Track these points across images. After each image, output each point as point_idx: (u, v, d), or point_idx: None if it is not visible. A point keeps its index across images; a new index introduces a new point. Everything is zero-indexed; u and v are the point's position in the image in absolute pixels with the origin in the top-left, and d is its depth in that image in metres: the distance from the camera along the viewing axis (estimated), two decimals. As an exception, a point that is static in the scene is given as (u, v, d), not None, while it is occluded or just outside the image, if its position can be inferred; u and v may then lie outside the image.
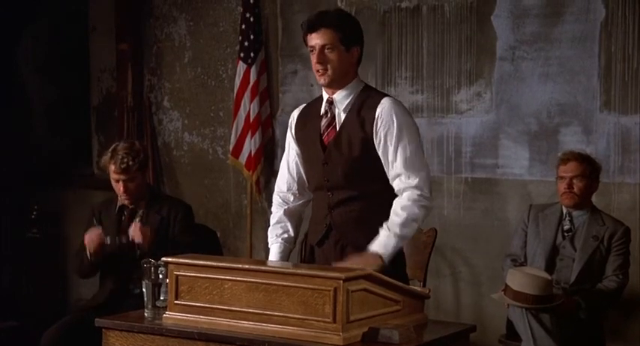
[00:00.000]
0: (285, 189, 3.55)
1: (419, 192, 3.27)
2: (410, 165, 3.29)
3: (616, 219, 4.36)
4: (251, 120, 5.51)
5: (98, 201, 4.61)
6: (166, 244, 4.15)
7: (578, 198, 4.30)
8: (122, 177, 4.23)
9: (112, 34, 6.12)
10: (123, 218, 4.35)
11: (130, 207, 4.35)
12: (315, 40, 3.30)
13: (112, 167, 4.24)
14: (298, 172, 3.53)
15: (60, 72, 6.40)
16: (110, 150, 4.33)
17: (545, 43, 4.86)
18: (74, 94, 6.40)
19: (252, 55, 5.49)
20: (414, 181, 3.28)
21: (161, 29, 6.01)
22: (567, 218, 4.36)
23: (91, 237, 4.22)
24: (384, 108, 3.30)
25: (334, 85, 3.36)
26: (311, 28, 3.31)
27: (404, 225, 3.25)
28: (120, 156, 4.23)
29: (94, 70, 6.33)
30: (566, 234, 4.34)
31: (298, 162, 3.52)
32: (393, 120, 3.29)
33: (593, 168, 4.33)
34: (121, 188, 4.26)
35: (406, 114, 3.35)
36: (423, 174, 3.31)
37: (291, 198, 3.54)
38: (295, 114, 3.56)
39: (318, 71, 3.33)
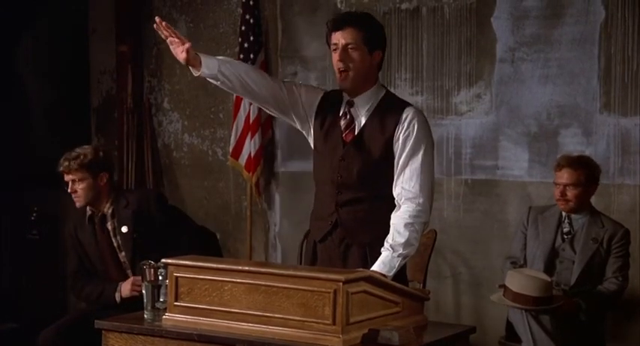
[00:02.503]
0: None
1: (419, 208, 3.27)
2: (417, 177, 3.28)
3: (615, 221, 4.36)
4: (251, 121, 5.50)
5: (71, 221, 4.47)
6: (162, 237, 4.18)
7: (573, 204, 4.29)
8: (67, 177, 4.24)
9: (112, 36, 6.11)
10: (95, 227, 4.29)
11: (98, 214, 4.27)
12: (339, 38, 3.31)
13: None
14: (290, 91, 3.42)
15: (60, 73, 6.38)
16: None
17: (545, 45, 4.86)
18: (74, 96, 6.39)
19: (251, 56, 5.49)
20: (417, 193, 3.27)
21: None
22: (567, 220, 4.35)
23: (133, 288, 4.17)
24: (408, 116, 3.32)
25: (355, 89, 3.36)
26: (336, 26, 3.32)
27: (407, 244, 3.24)
28: (62, 159, 4.24)
29: (93, 72, 6.32)
30: (565, 237, 4.34)
31: (302, 101, 3.43)
32: (414, 129, 3.31)
33: (589, 173, 4.29)
34: (69, 189, 4.25)
35: (427, 126, 3.38)
36: (427, 188, 3.30)
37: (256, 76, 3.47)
38: (320, 94, 3.48)
39: (339, 69, 3.32)
